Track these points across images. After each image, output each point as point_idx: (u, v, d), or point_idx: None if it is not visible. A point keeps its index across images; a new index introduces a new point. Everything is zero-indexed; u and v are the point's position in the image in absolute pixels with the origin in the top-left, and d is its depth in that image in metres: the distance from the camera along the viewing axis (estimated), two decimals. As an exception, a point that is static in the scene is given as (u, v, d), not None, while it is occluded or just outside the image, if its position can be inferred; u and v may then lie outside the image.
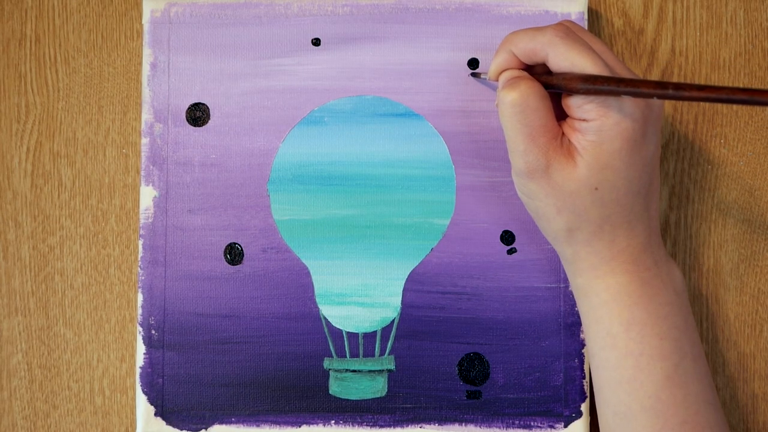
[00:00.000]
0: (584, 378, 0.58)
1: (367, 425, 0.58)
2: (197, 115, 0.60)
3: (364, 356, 0.59)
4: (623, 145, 0.50)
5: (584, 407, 0.58)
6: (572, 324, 0.58)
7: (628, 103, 0.50)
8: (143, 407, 0.58)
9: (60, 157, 0.62)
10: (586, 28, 0.59)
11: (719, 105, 0.61)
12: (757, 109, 0.61)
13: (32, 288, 0.61)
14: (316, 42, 0.60)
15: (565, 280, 0.59)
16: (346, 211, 0.59)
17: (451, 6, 0.60)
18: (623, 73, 0.51)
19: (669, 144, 0.62)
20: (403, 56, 0.60)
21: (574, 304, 0.58)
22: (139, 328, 0.59)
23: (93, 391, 0.61)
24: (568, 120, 0.52)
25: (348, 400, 0.59)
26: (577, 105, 0.50)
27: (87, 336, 0.61)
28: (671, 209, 0.61)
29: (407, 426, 0.58)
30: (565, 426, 0.58)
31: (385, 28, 0.60)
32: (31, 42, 0.62)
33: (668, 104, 0.62)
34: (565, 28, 0.51)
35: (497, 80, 0.54)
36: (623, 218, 0.52)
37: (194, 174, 0.60)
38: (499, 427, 0.58)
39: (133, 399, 0.60)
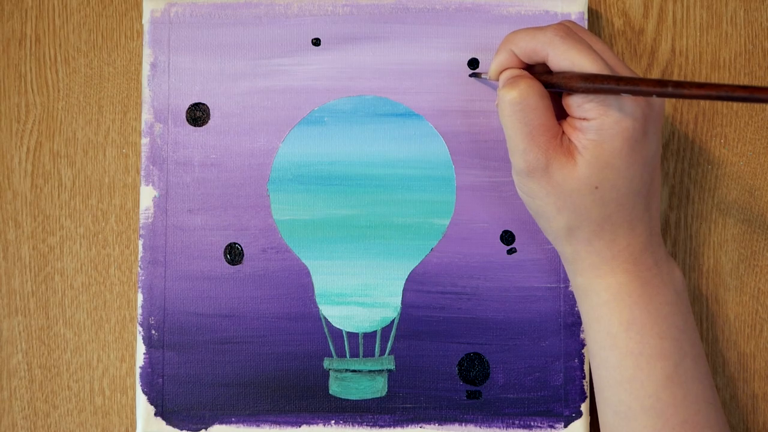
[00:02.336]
0: (584, 378, 0.58)
1: (367, 425, 0.58)
2: (197, 115, 0.60)
3: (364, 356, 0.59)
4: (624, 144, 0.50)
5: (584, 407, 0.58)
6: (572, 324, 0.58)
7: (629, 101, 0.50)
8: (143, 407, 0.58)
9: (60, 157, 0.62)
10: (586, 28, 0.59)
11: (719, 105, 0.61)
12: (757, 109, 0.61)
13: (32, 288, 0.61)
14: (316, 42, 0.60)
15: (565, 280, 0.59)
16: (346, 211, 0.59)
17: (451, 6, 0.60)
18: (624, 73, 0.51)
19: (669, 144, 0.62)
20: (403, 56, 0.60)
21: (574, 304, 0.58)
22: (139, 328, 0.59)
23: (93, 391, 0.61)
24: (568, 119, 0.52)
25: (348, 400, 0.59)
26: (577, 104, 0.50)
27: (87, 336, 0.61)
28: (671, 209, 0.61)
29: (407, 426, 0.58)
30: (565, 426, 0.58)
31: (385, 28, 0.60)
32: (31, 42, 0.62)
33: (668, 104, 0.62)
34: (566, 28, 0.51)
35: (497, 79, 0.54)
36: (624, 218, 0.52)
37: (194, 174, 0.60)
38: (499, 427, 0.58)
39: (133, 399, 0.60)
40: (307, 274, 0.59)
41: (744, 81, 0.62)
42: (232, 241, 0.59)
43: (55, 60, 0.62)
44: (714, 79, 0.62)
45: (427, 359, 0.59)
